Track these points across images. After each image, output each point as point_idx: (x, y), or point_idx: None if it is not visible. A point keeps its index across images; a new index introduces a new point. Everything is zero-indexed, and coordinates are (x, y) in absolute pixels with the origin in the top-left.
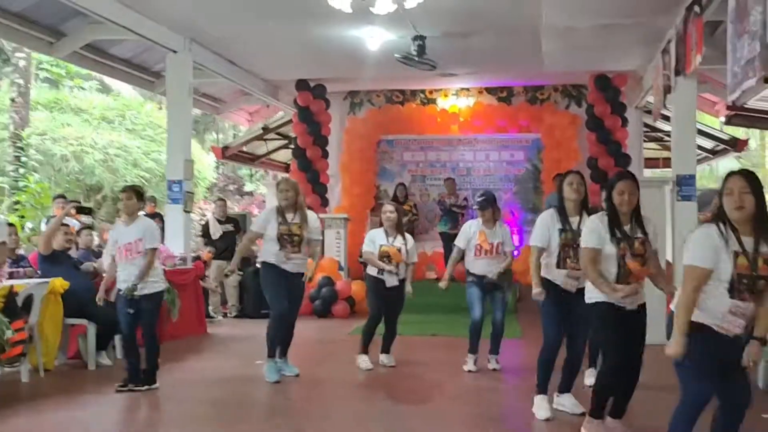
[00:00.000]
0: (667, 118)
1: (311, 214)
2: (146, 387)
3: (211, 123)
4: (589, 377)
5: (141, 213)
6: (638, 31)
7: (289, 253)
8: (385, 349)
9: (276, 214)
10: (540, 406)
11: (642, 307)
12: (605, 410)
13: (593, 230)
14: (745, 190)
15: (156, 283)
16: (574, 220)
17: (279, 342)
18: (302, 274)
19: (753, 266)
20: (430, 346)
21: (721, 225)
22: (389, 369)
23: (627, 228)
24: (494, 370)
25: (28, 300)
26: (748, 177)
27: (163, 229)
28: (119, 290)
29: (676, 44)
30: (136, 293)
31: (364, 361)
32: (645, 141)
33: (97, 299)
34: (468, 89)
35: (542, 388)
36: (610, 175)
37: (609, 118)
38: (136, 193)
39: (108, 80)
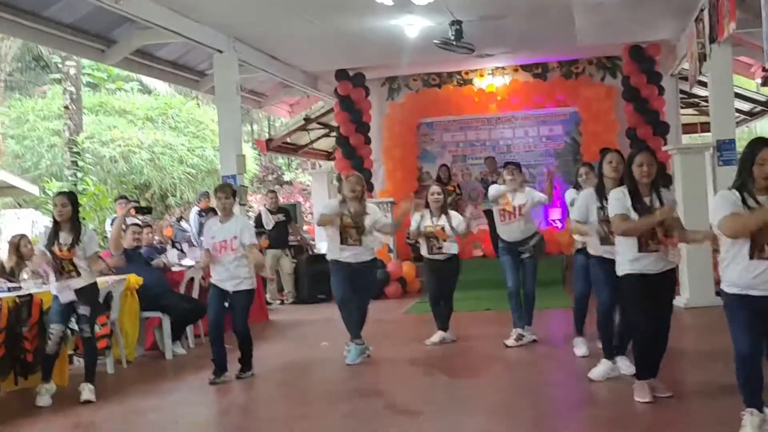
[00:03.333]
0: (703, 84)
1: (372, 207)
2: (249, 373)
3: (246, 115)
4: (580, 346)
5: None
6: (669, 1)
7: (352, 249)
8: (443, 327)
9: (339, 206)
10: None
11: (669, 272)
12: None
13: (618, 199)
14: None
15: (249, 280)
16: None
17: (353, 325)
18: (365, 263)
19: None
20: (485, 320)
21: (738, 192)
22: (449, 344)
23: (647, 200)
24: (534, 341)
25: (108, 297)
26: None
27: None
28: (211, 284)
29: (709, 13)
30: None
31: (437, 336)
32: (682, 107)
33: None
34: (503, 68)
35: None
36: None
37: (645, 88)
38: (232, 191)
39: (146, 80)
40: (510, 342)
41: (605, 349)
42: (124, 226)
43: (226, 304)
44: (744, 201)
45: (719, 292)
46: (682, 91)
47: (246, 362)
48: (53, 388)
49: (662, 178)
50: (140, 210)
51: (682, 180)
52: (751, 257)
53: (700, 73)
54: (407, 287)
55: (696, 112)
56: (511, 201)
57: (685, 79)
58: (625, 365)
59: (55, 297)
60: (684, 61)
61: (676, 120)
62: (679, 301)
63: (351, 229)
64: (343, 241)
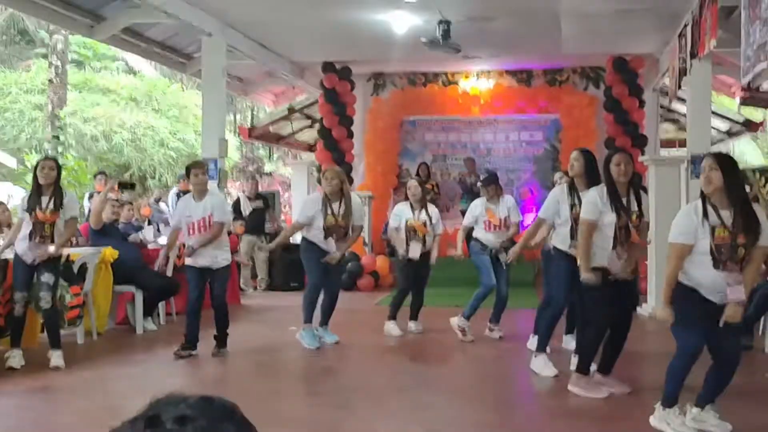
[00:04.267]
0: (683, 100)
1: (356, 201)
2: (225, 350)
3: (229, 103)
4: (570, 342)
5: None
6: (655, 15)
7: (335, 242)
8: (413, 317)
9: (322, 205)
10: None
11: (632, 272)
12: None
13: (591, 201)
14: (714, 167)
15: (226, 255)
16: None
17: (322, 311)
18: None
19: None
20: (454, 315)
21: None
22: (417, 335)
23: (624, 200)
24: (500, 338)
25: (83, 268)
26: (717, 157)
27: None
28: (189, 265)
29: (691, 28)
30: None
31: (393, 328)
32: (662, 122)
33: (157, 267)
34: (489, 71)
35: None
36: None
37: (626, 100)
38: (207, 168)
39: (132, 61)
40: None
41: (541, 342)
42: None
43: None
44: (705, 213)
45: None
46: (662, 107)
47: (222, 338)
48: (21, 356)
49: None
50: (124, 185)
51: (656, 191)
52: (715, 264)
53: (680, 87)
54: (380, 281)
55: (675, 128)
56: (496, 214)
57: (666, 94)
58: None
59: (18, 263)
60: (666, 76)
61: (655, 134)
62: (644, 309)
63: (337, 228)
64: (328, 237)
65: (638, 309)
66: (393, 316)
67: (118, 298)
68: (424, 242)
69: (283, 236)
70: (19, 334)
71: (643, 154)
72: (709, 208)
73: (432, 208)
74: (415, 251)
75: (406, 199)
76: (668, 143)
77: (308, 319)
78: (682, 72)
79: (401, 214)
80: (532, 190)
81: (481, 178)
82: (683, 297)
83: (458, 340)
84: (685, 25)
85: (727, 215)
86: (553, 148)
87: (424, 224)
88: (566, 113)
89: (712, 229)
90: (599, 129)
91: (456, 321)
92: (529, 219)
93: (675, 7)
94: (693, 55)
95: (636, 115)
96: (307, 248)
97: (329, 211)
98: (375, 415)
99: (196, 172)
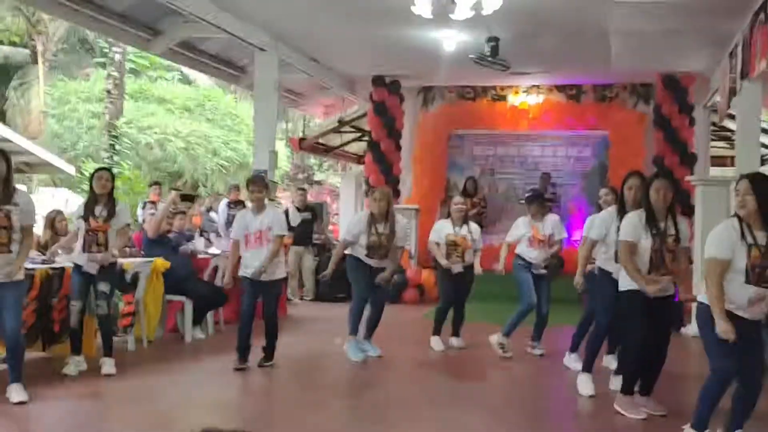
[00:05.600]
0: (734, 118)
1: (401, 222)
2: (271, 363)
3: (281, 113)
4: (611, 362)
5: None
6: (705, 34)
7: (377, 260)
8: (455, 333)
9: (367, 225)
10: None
11: (670, 297)
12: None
13: (632, 224)
14: (748, 192)
15: (280, 269)
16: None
17: (367, 324)
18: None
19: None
20: (495, 331)
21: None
22: (458, 351)
23: (662, 225)
24: (541, 355)
25: (135, 277)
26: (753, 180)
27: None
28: (244, 276)
29: (742, 48)
30: (262, 278)
31: (437, 342)
32: (713, 139)
33: (224, 284)
34: (538, 87)
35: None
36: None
37: (676, 117)
38: (265, 184)
39: (187, 70)
40: (495, 345)
41: (587, 362)
42: (169, 213)
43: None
44: (742, 233)
45: None
46: (714, 124)
47: (270, 351)
48: (82, 362)
49: (686, 208)
50: (185, 197)
51: (702, 211)
52: (747, 281)
53: (729, 107)
54: (425, 294)
55: (727, 146)
56: (540, 230)
57: (717, 111)
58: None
59: (75, 271)
60: (717, 94)
61: (705, 151)
62: (689, 330)
63: (379, 248)
64: (370, 255)
65: (682, 330)
66: (437, 331)
67: (168, 306)
68: (463, 257)
69: (335, 256)
70: (78, 342)
71: (692, 172)
72: (745, 228)
73: (473, 225)
74: (457, 266)
75: (449, 216)
76: (720, 160)
77: (353, 332)
78: (732, 92)
79: (441, 230)
80: (580, 207)
81: (526, 194)
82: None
83: (498, 356)
84: (736, 45)
85: (761, 236)
86: (602, 165)
87: (465, 238)
88: (615, 130)
89: (749, 248)
90: (648, 146)
91: (495, 338)
92: (577, 235)
93: (725, 27)
94: (743, 76)
95: (685, 133)
96: (353, 264)
97: (374, 230)
98: None
99: (253, 189)
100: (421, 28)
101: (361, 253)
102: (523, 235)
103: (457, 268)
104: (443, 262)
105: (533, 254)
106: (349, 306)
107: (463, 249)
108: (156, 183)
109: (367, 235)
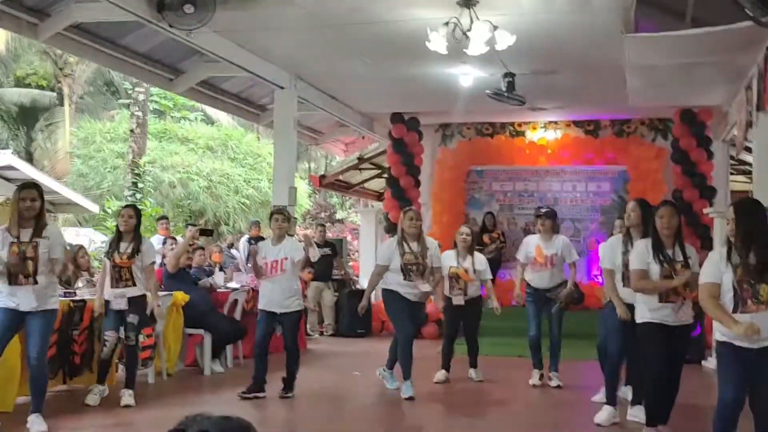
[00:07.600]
0: (752, 150)
1: (431, 242)
2: (291, 394)
3: (304, 152)
4: (627, 393)
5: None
6: (721, 68)
7: (416, 281)
8: (472, 364)
9: (398, 245)
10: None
11: (685, 326)
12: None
13: (639, 252)
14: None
15: (297, 301)
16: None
17: (391, 355)
18: (422, 304)
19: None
20: (516, 366)
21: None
22: (477, 383)
23: (670, 252)
24: (558, 386)
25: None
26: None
27: None
28: (260, 310)
29: (757, 81)
30: (278, 310)
31: (439, 375)
32: (732, 173)
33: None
34: (556, 122)
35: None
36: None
37: (694, 151)
38: (288, 216)
39: (210, 111)
40: (534, 381)
41: (609, 395)
42: (189, 248)
43: (278, 333)
44: (729, 255)
45: None
46: (733, 158)
47: (290, 382)
48: (106, 391)
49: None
50: (204, 232)
51: (721, 243)
52: (734, 310)
53: (746, 140)
54: (443, 329)
55: (747, 180)
56: (543, 251)
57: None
58: (641, 414)
59: (108, 305)
60: (734, 127)
61: (725, 185)
62: (710, 363)
63: (416, 264)
64: (407, 277)
65: (703, 363)
66: (444, 366)
67: (188, 340)
68: (465, 290)
69: (369, 286)
70: (106, 373)
71: (711, 205)
72: (733, 252)
73: (478, 256)
74: (458, 298)
75: (455, 246)
76: (740, 195)
77: (391, 367)
78: (749, 124)
79: (444, 261)
80: (599, 240)
81: (543, 210)
82: (719, 352)
83: (516, 388)
84: (752, 78)
85: (752, 256)
86: (621, 200)
87: (466, 271)
88: (634, 165)
89: (735, 268)
90: (667, 181)
91: (535, 377)
92: (597, 271)
93: (741, 60)
94: (759, 108)
95: (704, 166)
96: (389, 298)
97: (406, 249)
98: None
99: (277, 218)
100: (438, 65)
101: (396, 280)
102: (530, 254)
103: (458, 300)
104: (446, 293)
105: (534, 277)
106: (391, 344)
107: (465, 282)
108: (163, 217)
109: (401, 255)
